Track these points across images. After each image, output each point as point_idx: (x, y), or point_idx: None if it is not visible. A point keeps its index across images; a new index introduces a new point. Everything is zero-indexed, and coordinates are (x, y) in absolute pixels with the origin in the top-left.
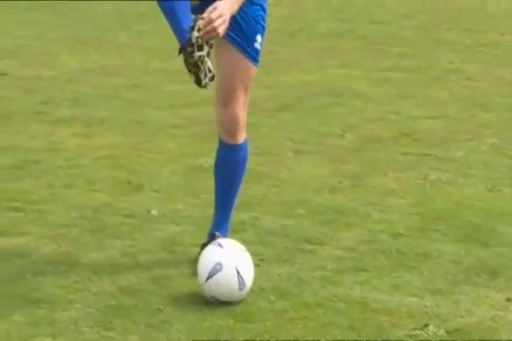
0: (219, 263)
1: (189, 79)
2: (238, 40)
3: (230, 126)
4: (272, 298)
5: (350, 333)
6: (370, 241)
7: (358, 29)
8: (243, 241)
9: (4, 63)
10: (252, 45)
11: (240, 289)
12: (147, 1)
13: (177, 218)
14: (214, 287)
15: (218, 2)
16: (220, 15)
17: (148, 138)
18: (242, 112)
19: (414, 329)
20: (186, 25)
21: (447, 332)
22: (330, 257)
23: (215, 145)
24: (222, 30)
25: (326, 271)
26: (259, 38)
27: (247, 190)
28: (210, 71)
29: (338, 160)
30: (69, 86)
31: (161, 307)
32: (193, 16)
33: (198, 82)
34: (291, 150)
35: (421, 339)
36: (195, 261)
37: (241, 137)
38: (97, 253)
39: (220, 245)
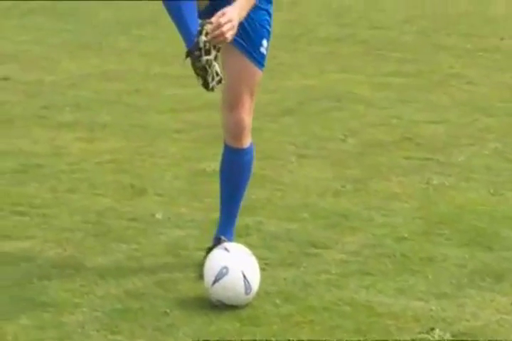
0: (225, 267)
1: (196, 82)
2: (244, 44)
3: (235, 130)
4: (277, 301)
5: (356, 337)
6: (375, 245)
7: (358, 34)
8: (248, 245)
9: (5, 68)
10: (258, 49)
11: (246, 293)
12: (147, 7)
13: (181, 222)
14: (220, 291)
15: (227, 8)
16: (229, 21)
17: (150, 143)
18: (247, 116)
19: (420, 332)
20: (193, 25)
21: (453, 335)
22: (335, 261)
23: (218, 150)
24: (230, 35)
25: (331, 274)
26: (264, 42)
27: (250, 194)
28: (217, 74)
29: (340, 165)
30: (70, 90)
31: (168, 311)
32: (200, 21)
33: (206, 85)
34: (293, 154)
35: None
36: (200, 265)
37: (246, 141)
38: (102, 257)
39: (226, 249)
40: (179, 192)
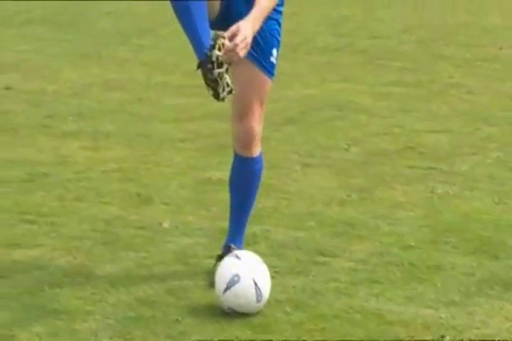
0: (237, 275)
1: (207, 92)
2: (254, 54)
3: (245, 139)
4: (288, 309)
5: None
6: (382, 253)
7: (357, 44)
8: (256, 254)
9: (7, 77)
10: (268, 59)
11: (258, 300)
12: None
13: (188, 230)
14: (232, 298)
15: (241, 22)
16: (244, 39)
17: (155, 152)
18: (257, 126)
19: (431, 340)
20: (202, 29)
21: None
22: (343, 269)
23: (222, 159)
24: (243, 53)
25: (340, 282)
26: (274, 51)
27: (257, 202)
28: (228, 85)
29: (345, 174)
30: (73, 100)
31: (180, 319)
32: (213, 33)
33: (216, 95)
34: (298, 163)
35: None
36: (209, 273)
37: (256, 150)
38: (111, 265)
39: (237, 257)
40: (185, 201)
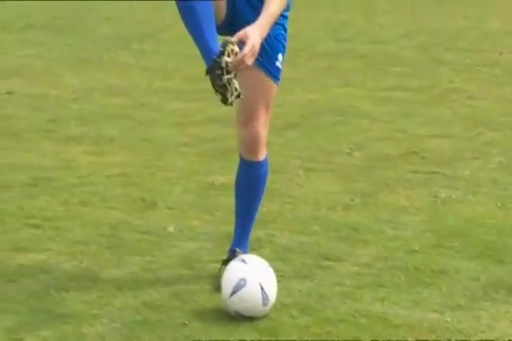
0: (243, 279)
1: (215, 97)
2: (260, 59)
3: (251, 143)
4: (294, 313)
5: None
6: (387, 257)
7: (357, 49)
8: (261, 258)
9: (9, 82)
10: (274, 63)
11: (264, 304)
12: (145, 22)
13: (193, 235)
14: (238, 302)
15: (249, 28)
16: (252, 47)
17: (158, 156)
18: (263, 130)
19: None
20: (208, 32)
21: None
22: (348, 273)
23: (225, 163)
24: (251, 61)
25: (346, 286)
26: (280, 56)
27: (261, 207)
28: (236, 90)
29: (348, 178)
30: (75, 104)
31: (186, 322)
32: (221, 39)
33: (224, 100)
34: (300, 168)
35: None
36: (215, 277)
37: (262, 154)
38: (117, 269)
39: (243, 261)
40: (189, 206)
